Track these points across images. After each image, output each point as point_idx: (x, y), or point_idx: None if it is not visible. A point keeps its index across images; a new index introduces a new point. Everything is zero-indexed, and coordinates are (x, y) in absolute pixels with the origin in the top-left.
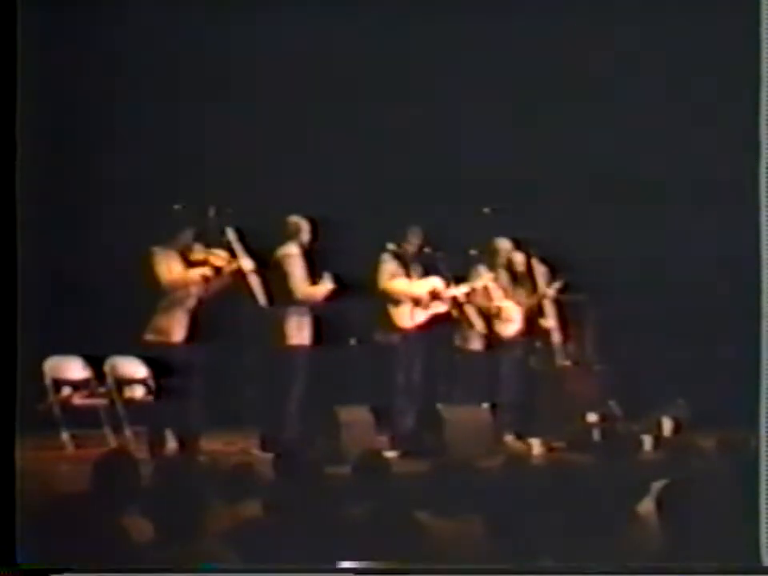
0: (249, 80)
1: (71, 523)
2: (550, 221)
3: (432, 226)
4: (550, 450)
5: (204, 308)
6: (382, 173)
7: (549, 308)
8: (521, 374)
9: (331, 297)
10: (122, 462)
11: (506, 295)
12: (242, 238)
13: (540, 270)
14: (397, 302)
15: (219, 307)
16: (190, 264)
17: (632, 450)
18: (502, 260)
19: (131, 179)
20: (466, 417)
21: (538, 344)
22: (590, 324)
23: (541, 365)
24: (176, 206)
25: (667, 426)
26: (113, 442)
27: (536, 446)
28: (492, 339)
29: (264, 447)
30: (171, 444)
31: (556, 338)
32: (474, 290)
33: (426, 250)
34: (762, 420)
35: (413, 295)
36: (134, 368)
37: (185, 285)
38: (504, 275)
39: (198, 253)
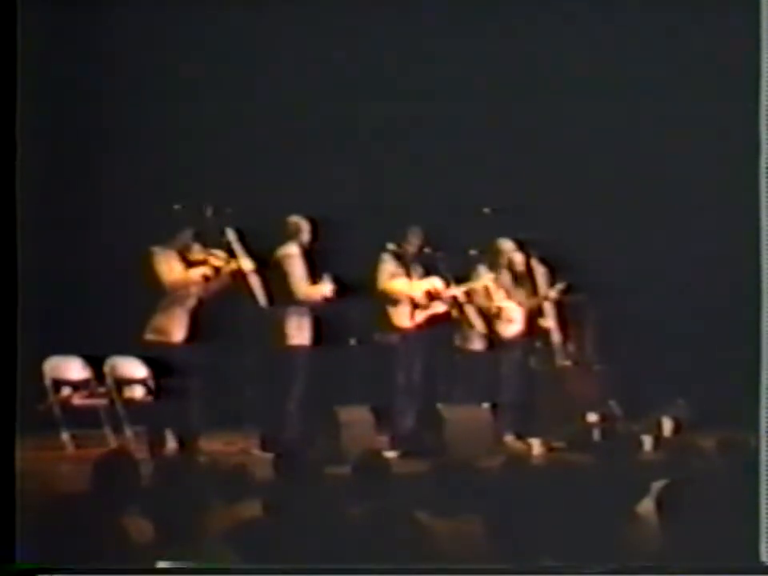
0: (249, 80)
1: (71, 523)
2: (550, 221)
3: (432, 226)
4: (550, 449)
5: (204, 308)
6: (383, 173)
7: (548, 308)
8: (521, 373)
9: (331, 297)
10: (122, 462)
11: (508, 296)
12: (242, 238)
13: (540, 271)
14: (396, 301)
15: (219, 307)
16: (189, 264)
17: (632, 449)
18: (504, 260)
19: (131, 179)
20: (466, 417)
21: (537, 344)
22: (590, 324)
23: (541, 365)
24: (176, 206)
25: (667, 426)
26: (113, 442)
27: (536, 446)
28: (492, 339)
29: (264, 447)
30: (171, 444)
31: (556, 337)
32: (473, 290)
33: (426, 250)
34: (762, 420)
35: (411, 295)
36: (134, 368)
37: (186, 285)
38: (506, 276)
39: (197, 253)
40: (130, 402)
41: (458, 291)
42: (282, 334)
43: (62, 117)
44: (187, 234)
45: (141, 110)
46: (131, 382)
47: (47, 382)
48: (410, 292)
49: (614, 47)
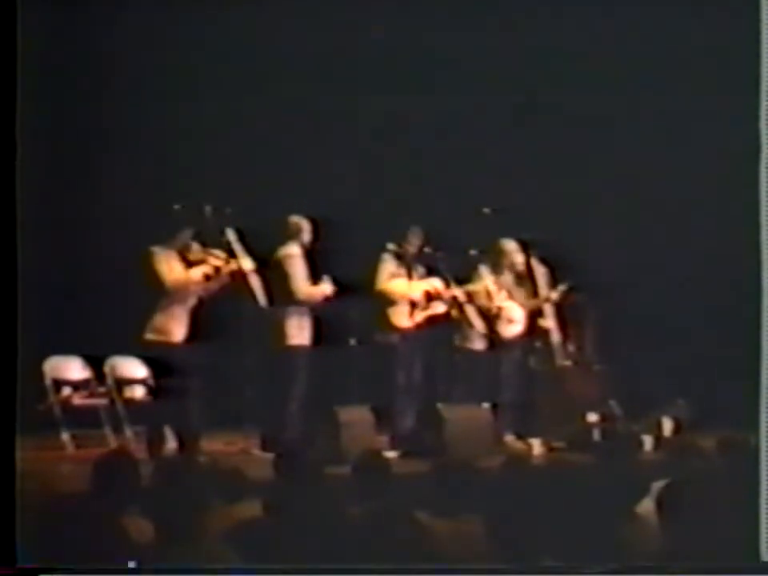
0: (249, 80)
1: (71, 523)
2: (550, 221)
3: (433, 226)
4: (550, 449)
5: (204, 308)
6: (383, 173)
7: (548, 308)
8: (521, 373)
9: (332, 297)
10: (122, 462)
11: (510, 296)
12: (242, 238)
13: (540, 271)
14: (394, 302)
15: (219, 307)
16: (189, 264)
17: (632, 449)
18: (507, 261)
19: (131, 179)
20: (466, 417)
21: (537, 344)
22: (590, 324)
23: (541, 365)
24: (176, 206)
25: (667, 426)
26: (113, 442)
27: (536, 445)
28: (493, 339)
29: (264, 447)
30: (171, 444)
31: (556, 337)
32: (474, 291)
33: (427, 249)
34: (762, 420)
35: (410, 296)
36: (134, 368)
37: (186, 284)
38: (508, 276)
39: (196, 253)
40: (130, 402)
41: (458, 292)
42: (282, 334)
43: (62, 117)
44: (187, 234)
45: (141, 110)
46: (131, 382)
47: (47, 381)
48: (408, 292)
49: (615, 48)
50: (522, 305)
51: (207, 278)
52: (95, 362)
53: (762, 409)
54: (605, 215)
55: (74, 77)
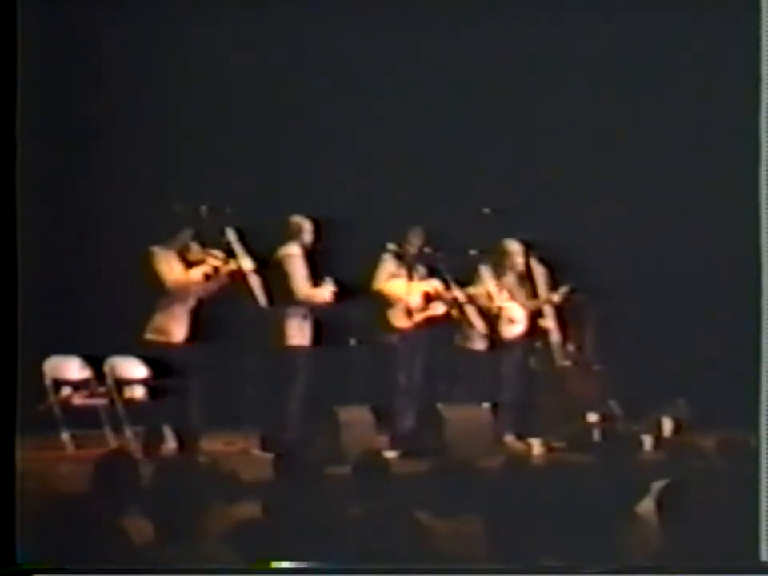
0: (249, 80)
1: (71, 523)
2: (550, 221)
3: (433, 226)
4: (550, 450)
5: (204, 308)
6: (384, 173)
7: (548, 308)
8: (521, 373)
9: (332, 300)
10: (122, 462)
11: (511, 296)
12: (242, 238)
13: (540, 271)
14: (392, 302)
15: (219, 307)
16: (189, 264)
17: (632, 449)
18: (510, 262)
19: (131, 179)
20: (466, 417)
21: (538, 344)
22: (590, 324)
23: (541, 365)
24: (176, 206)
25: (667, 426)
26: (113, 442)
27: (536, 445)
28: (492, 339)
29: (264, 447)
30: (171, 444)
31: (556, 338)
32: (474, 292)
33: (427, 250)
34: (762, 420)
35: (407, 297)
36: (134, 368)
37: (186, 285)
38: (510, 277)
39: (196, 253)
40: (130, 402)
41: (459, 293)
42: (282, 335)
43: (61, 117)
44: (187, 234)
45: (141, 110)
46: (131, 382)
47: (47, 381)
48: (407, 293)
49: (615, 48)
50: (522, 305)
51: (207, 278)
52: (95, 362)
53: (762, 409)
54: (605, 215)
55: (73, 77)
